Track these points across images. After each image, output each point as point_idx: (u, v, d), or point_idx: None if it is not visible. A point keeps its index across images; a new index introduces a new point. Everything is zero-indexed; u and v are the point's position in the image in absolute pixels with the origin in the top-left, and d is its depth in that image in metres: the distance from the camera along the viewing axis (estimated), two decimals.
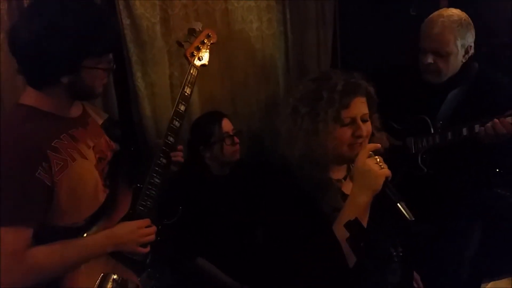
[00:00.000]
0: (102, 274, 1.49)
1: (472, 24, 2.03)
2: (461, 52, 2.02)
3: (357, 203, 1.34)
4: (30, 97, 1.43)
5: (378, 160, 1.36)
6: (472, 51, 2.04)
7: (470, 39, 2.03)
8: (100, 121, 1.66)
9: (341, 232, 1.28)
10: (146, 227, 1.60)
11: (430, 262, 2.13)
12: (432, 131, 2.07)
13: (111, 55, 1.49)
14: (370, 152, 1.38)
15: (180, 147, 1.83)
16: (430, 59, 2.03)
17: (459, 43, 1.99)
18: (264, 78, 2.82)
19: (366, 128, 1.46)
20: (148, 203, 1.66)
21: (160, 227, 1.67)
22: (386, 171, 1.34)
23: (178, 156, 1.81)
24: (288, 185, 1.47)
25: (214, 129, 2.28)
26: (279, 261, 1.45)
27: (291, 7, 2.83)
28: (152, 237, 1.60)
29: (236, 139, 2.33)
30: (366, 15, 2.80)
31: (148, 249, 1.60)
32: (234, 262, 2.24)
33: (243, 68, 2.74)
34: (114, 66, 1.53)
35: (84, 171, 1.47)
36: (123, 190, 1.64)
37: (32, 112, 1.41)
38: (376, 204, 1.36)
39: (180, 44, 1.93)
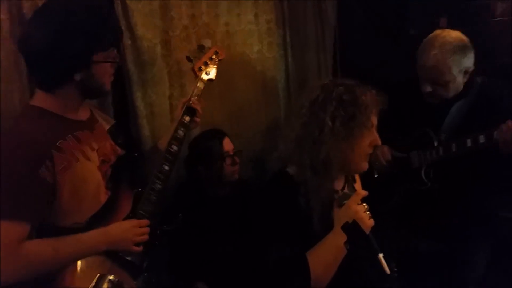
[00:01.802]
0: (98, 274, 1.47)
1: (470, 45, 1.98)
2: (460, 76, 1.98)
3: (338, 245, 1.34)
4: (40, 98, 1.50)
5: (366, 207, 1.40)
6: (472, 68, 2.00)
7: (468, 62, 1.97)
8: (107, 127, 1.71)
9: (314, 263, 1.36)
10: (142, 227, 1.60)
11: (435, 281, 2.05)
12: (436, 144, 2.03)
13: (115, 51, 1.56)
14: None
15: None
16: (429, 88, 2.01)
17: (455, 70, 1.95)
18: (265, 100, 2.83)
19: None
20: (149, 207, 1.65)
21: (158, 232, 1.66)
22: (372, 222, 1.39)
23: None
24: (284, 198, 1.47)
25: (215, 147, 2.25)
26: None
27: (291, 31, 2.87)
28: (146, 237, 1.60)
29: (237, 159, 2.30)
30: (366, 38, 2.83)
31: (141, 248, 1.58)
32: (233, 286, 2.16)
33: (244, 90, 2.75)
34: (119, 60, 1.61)
35: (87, 172, 1.51)
36: (124, 193, 1.66)
37: (41, 113, 1.48)
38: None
39: (189, 59, 1.99)
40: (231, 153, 2.29)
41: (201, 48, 2.00)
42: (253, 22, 2.73)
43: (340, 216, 1.40)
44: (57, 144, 1.44)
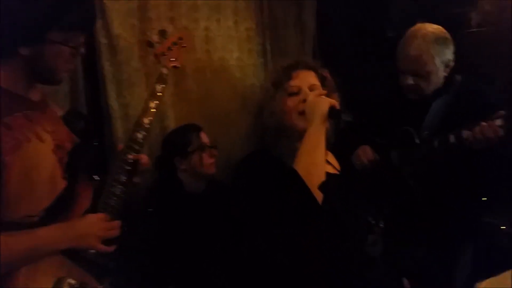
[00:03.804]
0: (56, 278, 1.29)
1: (450, 38, 2.01)
2: (441, 68, 2.00)
3: (309, 133, 1.50)
4: None
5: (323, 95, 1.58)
6: (452, 63, 2.02)
7: (449, 54, 2.00)
8: (60, 113, 1.55)
9: (302, 170, 1.42)
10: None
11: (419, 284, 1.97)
12: (418, 142, 1.99)
13: (82, 37, 1.40)
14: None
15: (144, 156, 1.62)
16: (410, 81, 2.00)
17: (437, 61, 1.97)
18: (244, 107, 2.77)
19: None
20: (112, 200, 1.48)
21: (125, 229, 1.49)
22: (330, 100, 1.54)
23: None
24: (261, 152, 1.70)
25: (192, 138, 2.21)
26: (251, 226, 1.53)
27: (271, 39, 2.87)
28: (116, 232, 1.43)
29: (214, 151, 2.26)
30: (345, 45, 2.83)
31: (112, 248, 1.41)
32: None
33: (222, 96, 2.70)
34: (84, 50, 1.43)
35: (40, 154, 1.34)
36: (83, 185, 1.48)
37: None
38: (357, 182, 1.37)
39: (150, 44, 1.84)
40: (209, 145, 2.26)
41: (163, 34, 1.86)
42: (233, 29, 2.72)
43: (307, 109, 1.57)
44: (4, 120, 1.27)
